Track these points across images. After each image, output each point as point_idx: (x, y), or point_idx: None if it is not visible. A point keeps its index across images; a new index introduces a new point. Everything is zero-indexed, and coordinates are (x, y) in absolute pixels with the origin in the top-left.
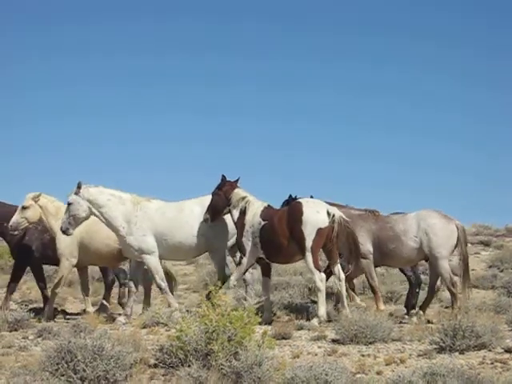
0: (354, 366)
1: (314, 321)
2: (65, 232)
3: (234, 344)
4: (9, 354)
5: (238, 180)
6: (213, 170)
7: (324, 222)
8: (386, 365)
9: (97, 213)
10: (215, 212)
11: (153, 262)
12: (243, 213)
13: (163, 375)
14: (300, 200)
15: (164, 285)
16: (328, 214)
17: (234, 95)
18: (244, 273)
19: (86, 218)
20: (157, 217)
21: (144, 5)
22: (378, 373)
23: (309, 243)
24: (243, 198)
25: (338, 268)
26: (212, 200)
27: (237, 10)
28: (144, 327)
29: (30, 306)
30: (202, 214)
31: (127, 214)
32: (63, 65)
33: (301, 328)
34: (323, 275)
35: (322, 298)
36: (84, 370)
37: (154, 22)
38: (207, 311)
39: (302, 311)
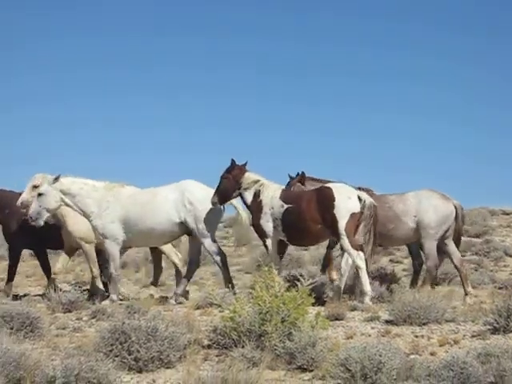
0: (407, 346)
1: (367, 299)
2: (34, 222)
3: (287, 325)
4: (63, 335)
5: (246, 164)
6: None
7: (356, 207)
8: (440, 346)
9: (70, 202)
10: (224, 196)
11: (112, 249)
12: (257, 196)
13: (217, 356)
14: (329, 185)
15: (115, 274)
16: (359, 199)
17: (233, 78)
18: (276, 254)
19: (57, 209)
20: (128, 202)
21: None
22: (432, 354)
23: (342, 226)
24: (256, 181)
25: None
26: (221, 183)
27: None
28: (197, 308)
29: (84, 288)
30: (176, 199)
31: (99, 200)
32: (58, 46)
33: (354, 309)
34: (361, 253)
35: (364, 275)
36: (138, 351)
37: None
38: (261, 292)
39: (355, 292)
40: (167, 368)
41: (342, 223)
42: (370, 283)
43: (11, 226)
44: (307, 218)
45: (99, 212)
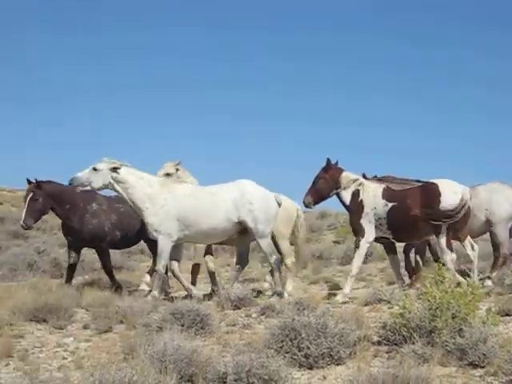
0: None
1: None
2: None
3: (458, 321)
4: (233, 331)
5: (337, 163)
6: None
7: (459, 202)
8: None
9: (120, 191)
10: (320, 196)
11: (165, 246)
12: (356, 195)
13: (387, 352)
14: (435, 181)
15: (161, 271)
16: (462, 194)
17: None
18: (365, 256)
19: (99, 190)
20: (186, 200)
21: None
22: None
23: (445, 225)
24: (355, 180)
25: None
26: (317, 184)
27: None
28: (366, 305)
29: (252, 285)
30: (236, 199)
31: (154, 196)
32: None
33: None
34: (454, 256)
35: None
36: (308, 348)
37: None
38: (430, 288)
39: None
40: (337, 364)
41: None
42: None
43: (71, 221)
44: (413, 214)
45: (154, 208)
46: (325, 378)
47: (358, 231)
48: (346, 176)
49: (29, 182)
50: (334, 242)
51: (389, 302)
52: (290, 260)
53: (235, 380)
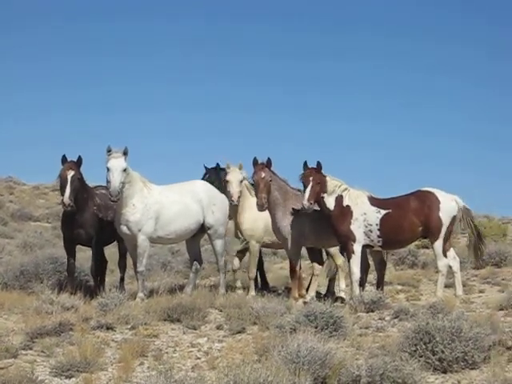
0: None
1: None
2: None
3: None
4: (366, 334)
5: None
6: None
7: (456, 210)
8: None
9: None
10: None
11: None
12: (340, 200)
13: None
14: (429, 189)
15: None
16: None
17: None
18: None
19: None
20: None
21: None
22: None
23: (443, 230)
24: (339, 186)
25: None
26: (316, 186)
27: None
28: (501, 309)
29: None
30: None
31: None
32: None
33: None
34: (447, 261)
35: (441, 281)
36: (442, 352)
37: None
38: None
39: None
40: (472, 369)
41: (445, 226)
42: None
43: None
44: (410, 222)
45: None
46: (459, 382)
47: (348, 237)
48: (331, 181)
49: (66, 159)
50: None
51: None
52: (340, 260)
53: (369, 383)
